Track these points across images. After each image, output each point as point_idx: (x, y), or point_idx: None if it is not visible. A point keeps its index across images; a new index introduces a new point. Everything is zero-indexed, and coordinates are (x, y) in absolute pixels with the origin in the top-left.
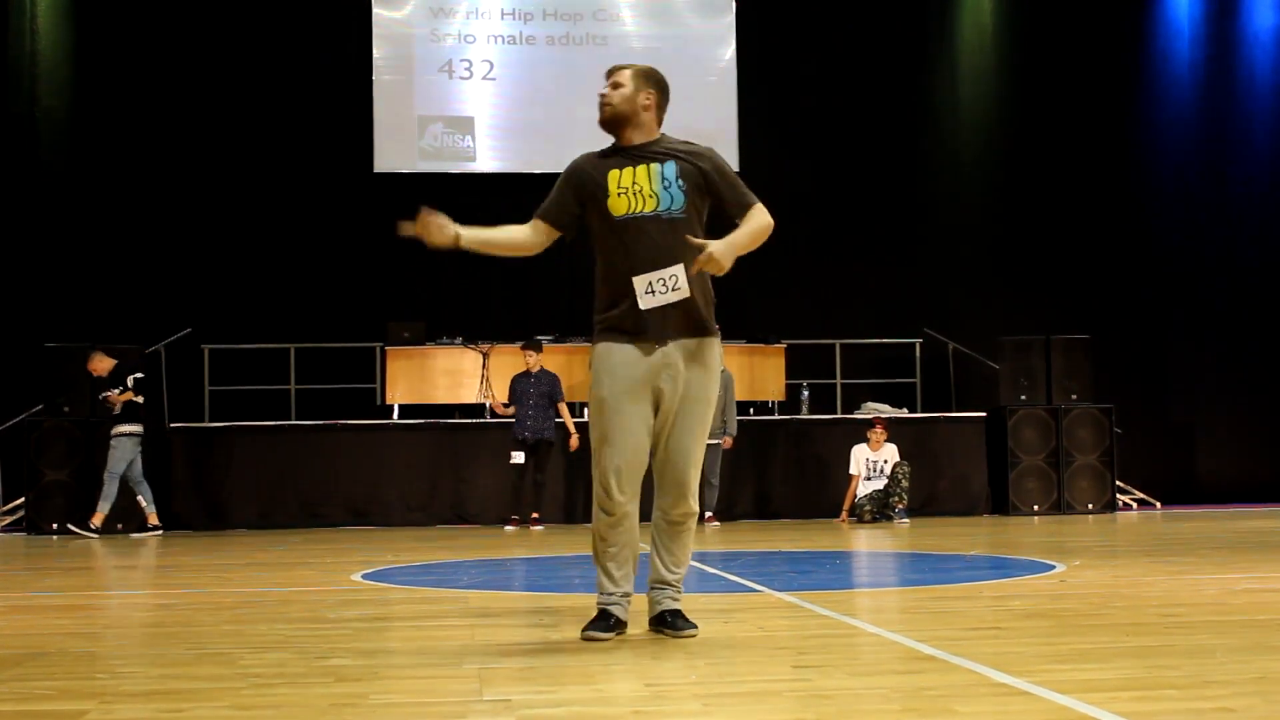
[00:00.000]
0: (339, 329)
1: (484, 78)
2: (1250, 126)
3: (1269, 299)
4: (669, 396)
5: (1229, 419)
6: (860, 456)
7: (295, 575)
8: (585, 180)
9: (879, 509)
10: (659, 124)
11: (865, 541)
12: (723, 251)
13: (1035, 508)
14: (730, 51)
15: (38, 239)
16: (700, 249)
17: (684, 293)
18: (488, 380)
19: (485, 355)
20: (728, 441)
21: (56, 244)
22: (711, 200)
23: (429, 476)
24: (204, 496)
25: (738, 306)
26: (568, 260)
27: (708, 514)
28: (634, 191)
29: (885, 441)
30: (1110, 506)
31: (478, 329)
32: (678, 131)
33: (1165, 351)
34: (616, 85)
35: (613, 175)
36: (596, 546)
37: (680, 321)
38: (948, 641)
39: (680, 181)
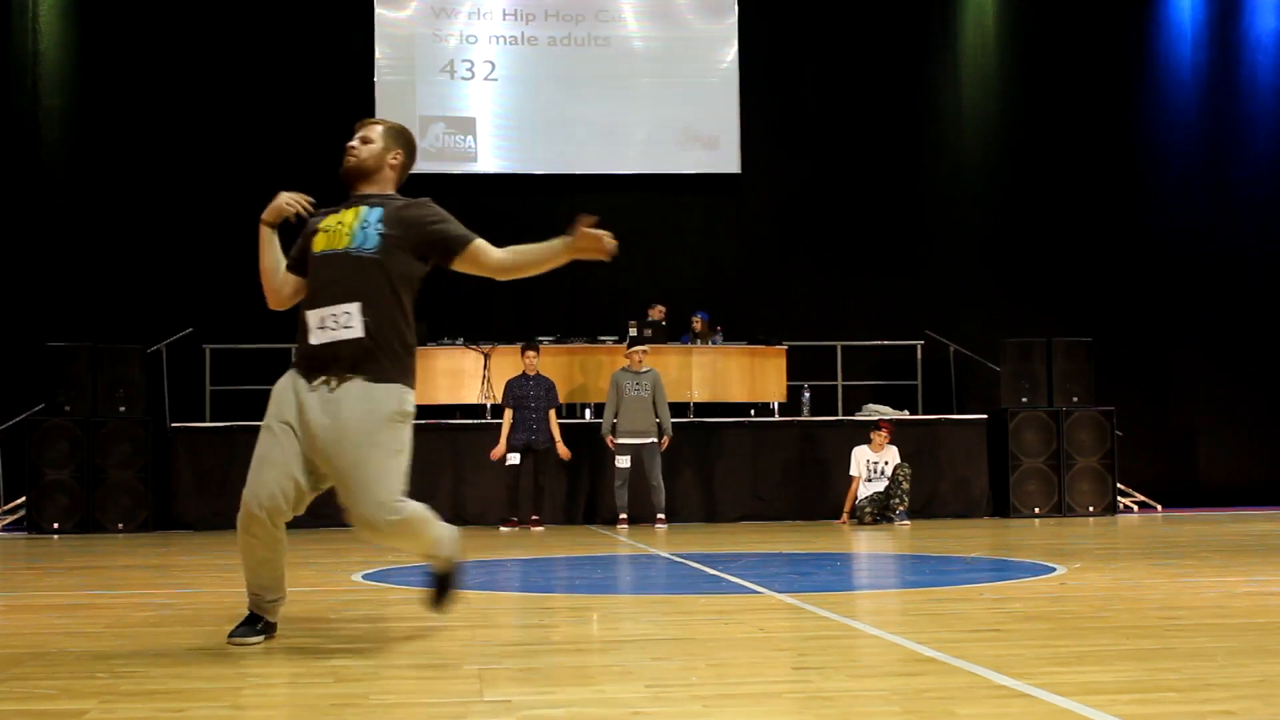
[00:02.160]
0: None
1: (486, 78)
2: (1252, 129)
3: (1270, 302)
4: (323, 429)
5: (1230, 422)
6: (861, 458)
7: (295, 575)
8: (308, 230)
9: (880, 511)
10: (396, 185)
11: (866, 543)
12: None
13: (1036, 510)
14: (732, 53)
15: (39, 238)
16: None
17: (354, 332)
18: (489, 381)
19: (486, 356)
20: (664, 442)
21: (58, 243)
22: (429, 246)
23: (429, 477)
24: (205, 496)
25: (739, 308)
26: (569, 262)
27: (659, 515)
28: (335, 230)
29: (887, 443)
30: (1111, 509)
31: (479, 330)
32: (679, 132)
33: (1166, 354)
34: (366, 140)
35: (329, 219)
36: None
37: (340, 359)
38: (948, 643)
39: (381, 225)
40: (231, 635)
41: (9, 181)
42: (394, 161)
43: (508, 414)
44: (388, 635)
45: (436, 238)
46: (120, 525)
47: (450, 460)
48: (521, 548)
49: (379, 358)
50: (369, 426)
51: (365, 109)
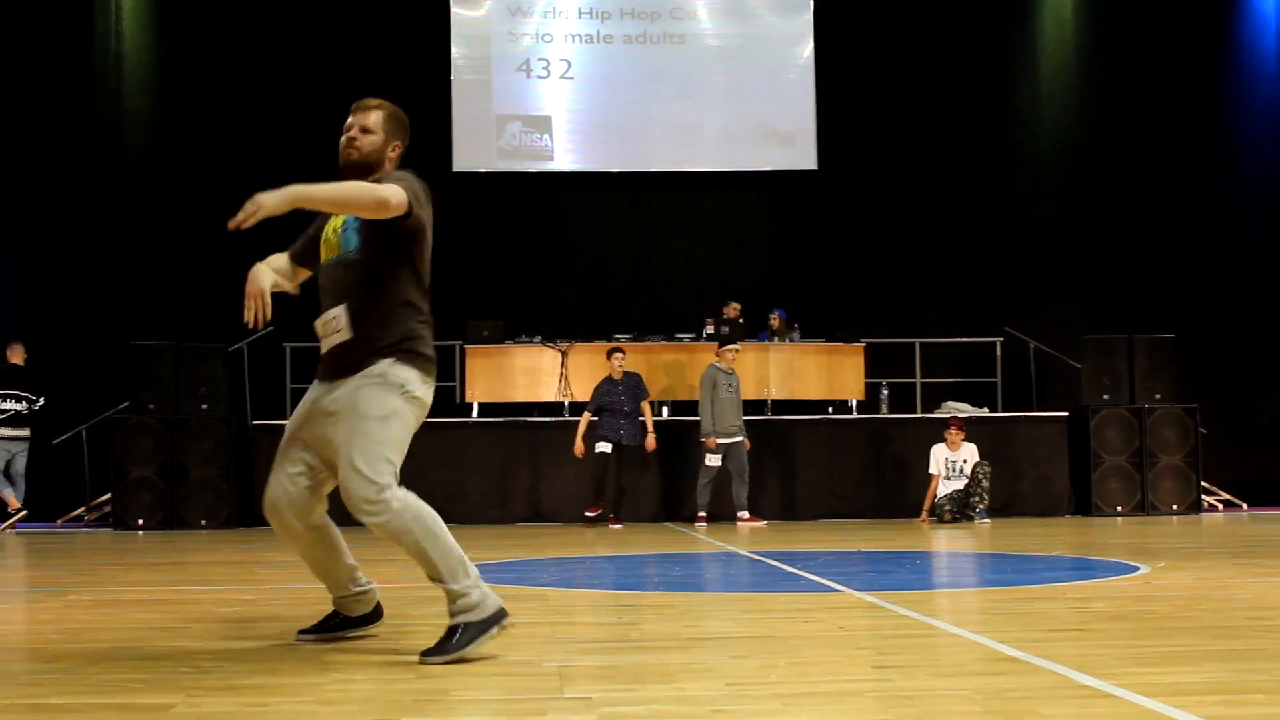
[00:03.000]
0: None
1: (561, 77)
2: None
3: None
4: (332, 427)
5: None
6: (940, 456)
7: (377, 571)
8: (319, 224)
9: (959, 509)
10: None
11: (945, 542)
12: (268, 195)
13: (1118, 509)
14: (808, 49)
15: (123, 238)
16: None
17: (344, 335)
18: (566, 379)
19: (564, 354)
20: (747, 442)
21: (141, 243)
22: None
23: (507, 474)
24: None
25: (816, 305)
26: (645, 260)
27: (744, 514)
28: (329, 239)
29: (963, 441)
30: (1195, 508)
31: (556, 327)
32: (754, 129)
33: (1251, 350)
34: (366, 130)
35: (327, 226)
36: None
37: (338, 362)
38: (1030, 643)
39: (357, 220)
40: (300, 632)
41: (94, 183)
42: (393, 154)
43: (586, 416)
44: None
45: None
46: (203, 522)
47: (528, 458)
48: (601, 545)
49: (369, 351)
50: (355, 397)
51: (442, 108)
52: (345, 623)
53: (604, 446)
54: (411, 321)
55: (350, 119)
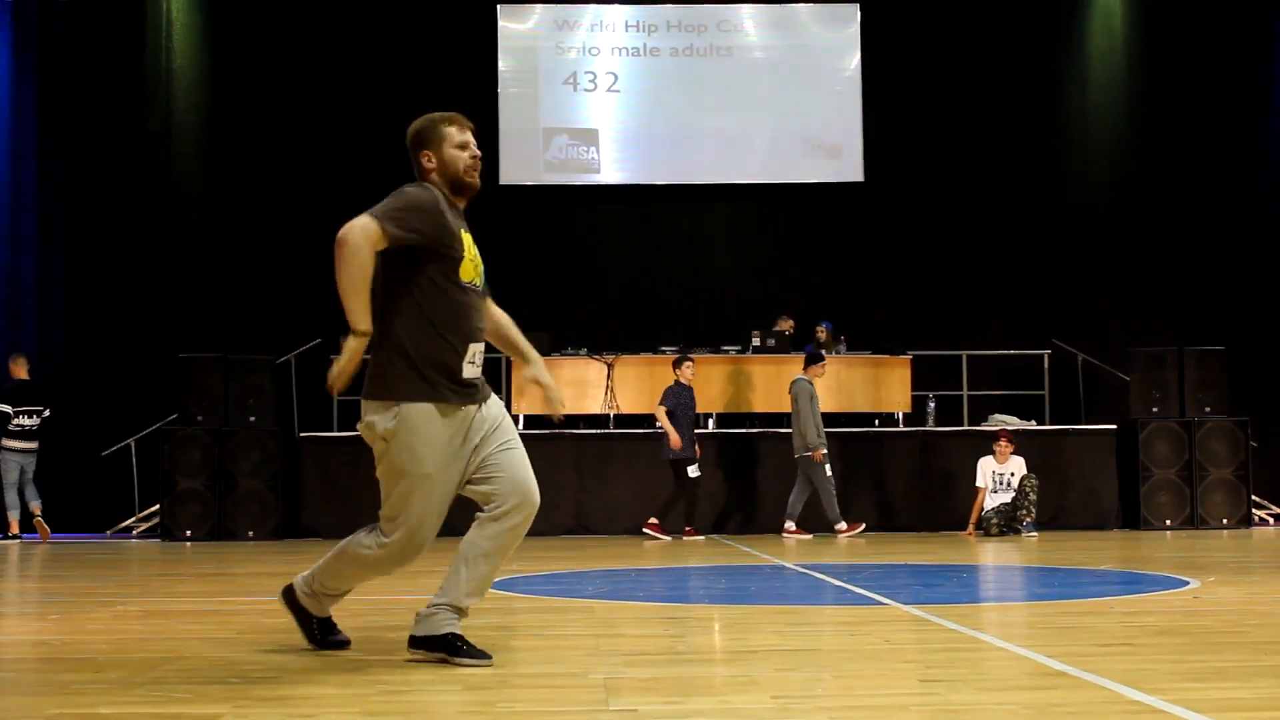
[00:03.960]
0: None
1: (608, 90)
2: None
3: None
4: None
5: None
6: (986, 469)
7: (421, 584)
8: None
9: (1006, 522)
10: None
11: (992, 555)
12: (337, 369)
13: (1168, 522)
14: (855, 61)
15: (172, 251)
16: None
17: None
18: (612, 391)
19: (610, 366)
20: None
21: (190, 256)
22: None
23: (553, 486)
24: (332, 505)
25: (863, 317)
26: (691, 272)
27: (842, 525)
28: (473, 261)
29: (1012, 454)
30: (1246, 521)
31: (603, 340)
32: (801, 141)
33: None
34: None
35: (465, 237)
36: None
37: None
38: (1078, 657)
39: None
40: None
41: (144, 196)
42: None
43: (665, 411)
44: (515, 643)
45: None
46: (250, 533)
47: (574, 469)
48: (647, 557)
49: (371, 378)
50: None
51: (489, 120)
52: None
53: (695, 471)
54: (409, 341)
55: (460, 134)
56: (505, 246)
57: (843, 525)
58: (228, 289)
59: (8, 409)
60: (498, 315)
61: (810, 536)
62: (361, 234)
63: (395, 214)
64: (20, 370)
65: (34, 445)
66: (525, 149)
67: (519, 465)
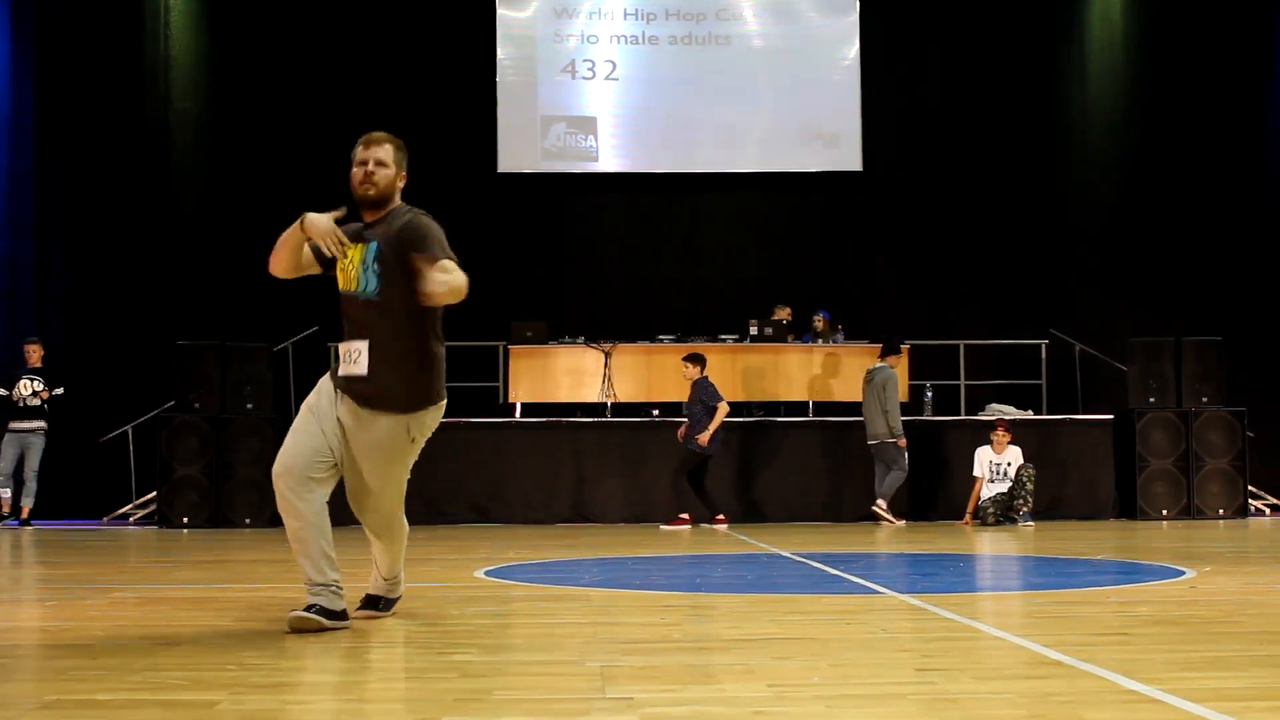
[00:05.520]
0: (461, 328)
1: (607, 78)
2: None
3: None
4: (354, 438)
5: None
6: (984, 459)
7: (419, 571)
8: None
9: (1003, 512)
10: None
11: (989, 544)
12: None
13: (1164, 512)
14: (854, 50)
15: (170, 239)
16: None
17: (361, 370)
18: (610, 380)
19: (607, 355)
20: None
21: (188, 244)
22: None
23: (550, 475)
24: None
25: (861, 307)
26: (689, 261)
27: (883, 504)
28: (346, 269)
29: (1009, 444)
30: (1242, 512)
31: (600, 328)
32: (800, 130)
33: None
34: (380, 163)
35: (346, 257)
36: None
37: (361, 394)
38: (1075, 647)
39: (376, 265)
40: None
41: (141, 184)
42: (400, 185)
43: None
44: (510, 631)
45: (419, 248)
46: (247, 520)
47: (571, 459)
48: (643, 546)
49: (386, 395)
50: (387, 453)
51: (487, 109)
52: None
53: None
54: (428, 352)
55: (362, 152)
56: (503, 235)
57: (883, 503)
58: (225, 276)
59: (3, 391)
60: None
61: (903, 523)
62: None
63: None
64: (33, 358)
65: (34, 425)
66: (523, 137)
67: None
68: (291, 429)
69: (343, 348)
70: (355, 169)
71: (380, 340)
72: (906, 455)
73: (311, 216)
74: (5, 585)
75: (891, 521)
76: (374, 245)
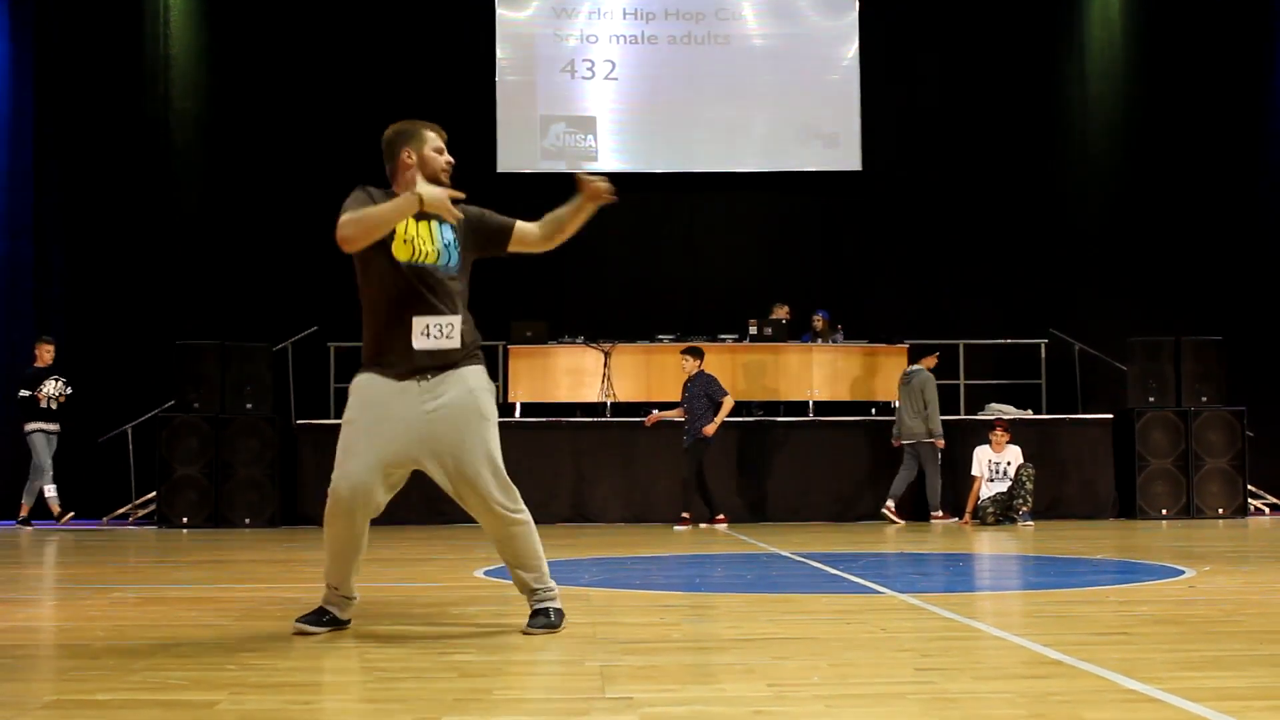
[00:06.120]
0: None
1: (606, 77)
2: None
3: None
4: (432, 414)
5: None
6: (983, 458)
7: (418, 571)
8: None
9: (1002, 511)
10: None
11: (988, 544)
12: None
13: (1164, 512)
14: (853, 50)
15: (170, 238)
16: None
17: (455, 342)
18: (609, 379)
19: (607, 354)
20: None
21: (188, 243)
22: (489, 240)
23: (550, 475)
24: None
25: (860, 306)
26: (688, 261)
27: (939, 513)
28: (415, 244)
29: (1008, 443)
30: (1242, 511)
31: (599, 328)
32: (799, 130)
33: None
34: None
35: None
36: None
37: (447, 363)
38: (1074, 646)
39: (457, 245)
40: (299, 619)
41: (141, 183)
42: None
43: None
44: (511, 631)
45: (493, 229)
46: (247, 520)
47: (571, 458)
48: (643, 545)
49: (470, 354)
50: (479, 403)
51: (487, 109)
52: (335, 621)
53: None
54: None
55: (440, 141)
56: None
57: (940, 513)
58: (225, 276)
59: (26, 393)
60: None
61: (903, 523)
62: None
63: None
64: (44, 358)
65: (55, 426)
66: (523, 137)
67: None
68: (346, 442)
69: (421, 323)
70: (439, 157)
71: (461, 310)
72: (940, 455)
73: (430, 190)
74: (5, 585)
75: (896, 517)
76: (446, 224)
